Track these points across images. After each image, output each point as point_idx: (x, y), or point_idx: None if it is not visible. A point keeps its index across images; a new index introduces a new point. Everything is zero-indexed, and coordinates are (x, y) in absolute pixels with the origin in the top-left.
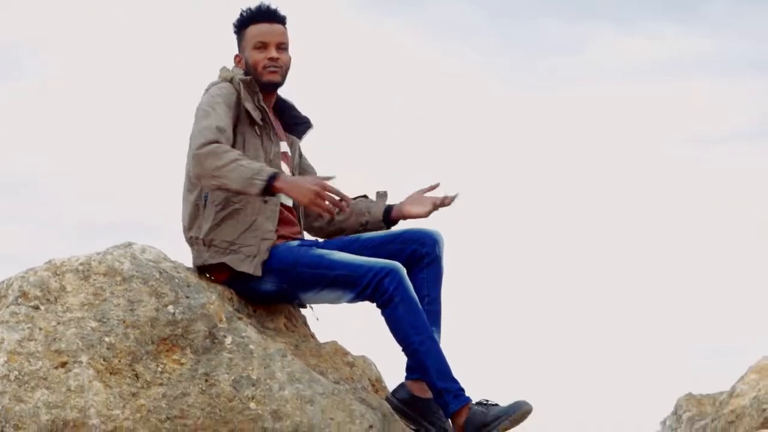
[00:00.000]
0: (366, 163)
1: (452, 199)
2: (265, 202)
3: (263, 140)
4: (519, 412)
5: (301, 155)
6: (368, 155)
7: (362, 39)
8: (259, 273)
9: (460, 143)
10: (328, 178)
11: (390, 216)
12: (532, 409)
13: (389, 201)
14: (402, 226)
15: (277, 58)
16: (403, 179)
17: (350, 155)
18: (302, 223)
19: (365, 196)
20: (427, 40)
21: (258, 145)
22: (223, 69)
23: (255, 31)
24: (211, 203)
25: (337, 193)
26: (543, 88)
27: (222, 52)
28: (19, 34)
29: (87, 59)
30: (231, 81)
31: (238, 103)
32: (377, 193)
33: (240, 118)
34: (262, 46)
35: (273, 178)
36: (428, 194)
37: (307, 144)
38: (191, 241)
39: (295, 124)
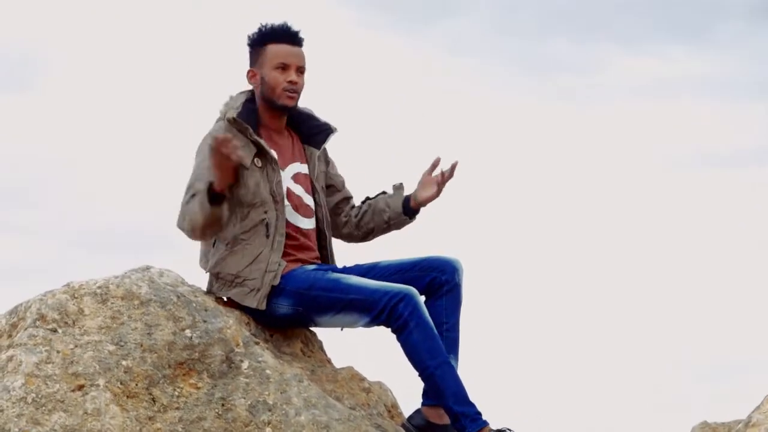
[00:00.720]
0: (370, 176)
1: (451, 170)
2: (267, 236)
3: (266, 171)
4: None
5: (328, 162)
6: (373, 171)
7: (370, 56)
8: (263, 307)
9: (466, 159)
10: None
11: (410, 206)
12: None
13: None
14: (421, 252)
15: (296, 82)
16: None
17: (357, 168)
18: (328, 243)
19: (384, 192)
20: (435, 57)
21: (260, 178)
22: (226, 102)
23: (277, 50)
24: (221, 240)
25: (220, 138)
26: (549, 106)
27: (231, 56)
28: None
29: (93, 62)
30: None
31: None
32: (393, 186)
33: None
34: (284, 67)
35: (210, 185)
36: (435, 173)
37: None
38: (205, 270)
39: (315, 133)
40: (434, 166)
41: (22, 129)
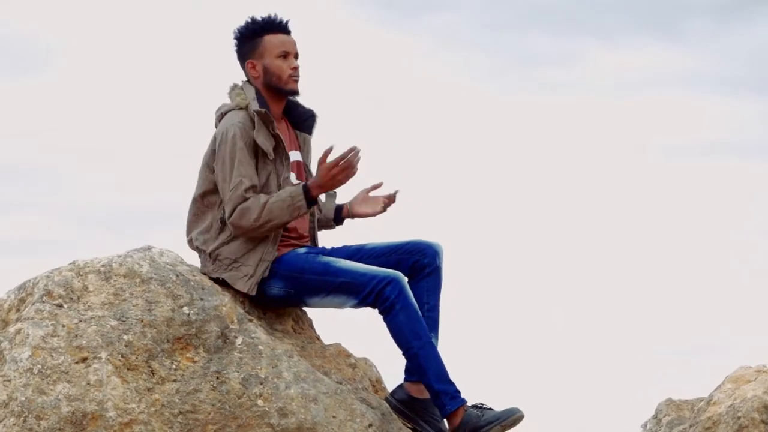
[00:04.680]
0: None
1: (395, 195)
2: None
3: (276, 165)
4: (510, 418)
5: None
6: (362, 165)
7: (355, 49)
8: (253, 293)
9: (449, 152)
10: (329, 152)
11: (341, 215)
12: (523, 417)
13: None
14: (404, 237)
15: (298, 68)
16: (394, 188)
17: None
18: (315, 227)
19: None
20: (419, 51)
21: (270, 171)
22: (234, 90)
23: (276, 40)
24: (225, 224)
25: (343, 158)
26: (528, 99)
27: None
28: (42, 29)
29: (106, 51)
30: (246, 108)
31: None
32: (326, 193)
33: (256, 147)
34: (285, 55)
35: (307, 192)
36: (374, 193)
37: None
38: (195, 249)
39: (302, 120)
40: (375, 187)
41: (32, 112)
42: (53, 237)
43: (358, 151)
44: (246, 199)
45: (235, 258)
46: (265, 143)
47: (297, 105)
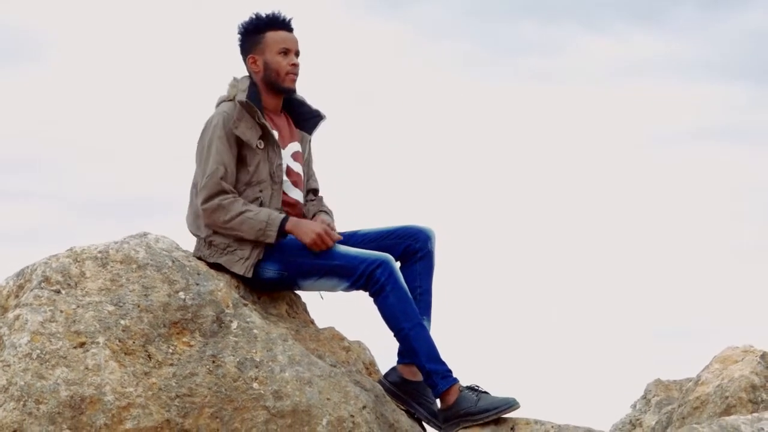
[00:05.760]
0: (348, 162)
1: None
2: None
3: (268, 153)
4: (506, 410)
5: (309, 150)
6: (352, 155)
7: (344, 38)
8: (249, 275)
9: (439, 142)
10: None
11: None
12: (518, 408)
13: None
14: (397, 222)
15: (298, 65)
16: (384, 178)
17: (334, 155)
18: (308, 213)
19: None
20: (407, 40)
21: (261, 159)
22: (232, 83)
23: (277, 36)
24: None
25: (333, 236)
26: (517, 87)
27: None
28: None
29: (104, 44)
30: (234, 99)
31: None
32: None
33: (244, 137)
34: (286, 52)
35: (282, 226)
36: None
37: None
38: (194, 235)
39: (306, 119)
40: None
41: (30, 101)
42: (52, 226)
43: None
44: (222, 190)
45: (228, 242)
46: (246, 133)
47: (303, 104)
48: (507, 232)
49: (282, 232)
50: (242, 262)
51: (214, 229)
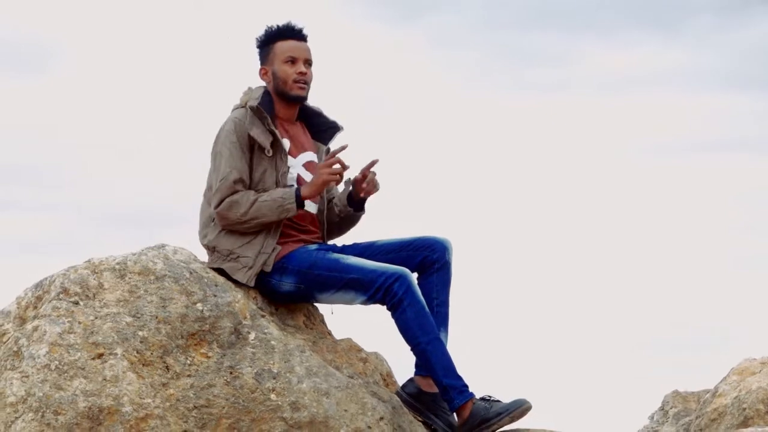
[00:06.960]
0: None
1: (371, 165)
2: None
3: (275, 161)
4: (519, 410)
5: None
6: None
7: (356, 48)
8: (251, 284)
9: (447, 151)
10: (341, 149)
11: (353, 200)
12: (531, 407)
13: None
14: (413, 233)
15: (306, 73)
16: (396, 186)
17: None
18: (326, 226)
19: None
20: (420, 50)
21: (267, 166)
22: (246, 91)
23: (285, 46)
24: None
25: (334, 160)
26: (528, 97)
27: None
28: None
29: (111, 52)
30: (245, 106)
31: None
32: (345, 182)
33: (252, 142)
34: (293, 60)
35: (298, 195)
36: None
37: None
38: (202, 245)
39: (323, 130)
40: (372, 164)
41: (38, 111)
42: (61, 235)
43: (344, 164)
44: (235, 192)
45: (231, 250)
46: (260, 137)
47: (320, 115)
48: (522, 242)
49: (301, 202)
50: (245, 270)
51: (233, 229)
